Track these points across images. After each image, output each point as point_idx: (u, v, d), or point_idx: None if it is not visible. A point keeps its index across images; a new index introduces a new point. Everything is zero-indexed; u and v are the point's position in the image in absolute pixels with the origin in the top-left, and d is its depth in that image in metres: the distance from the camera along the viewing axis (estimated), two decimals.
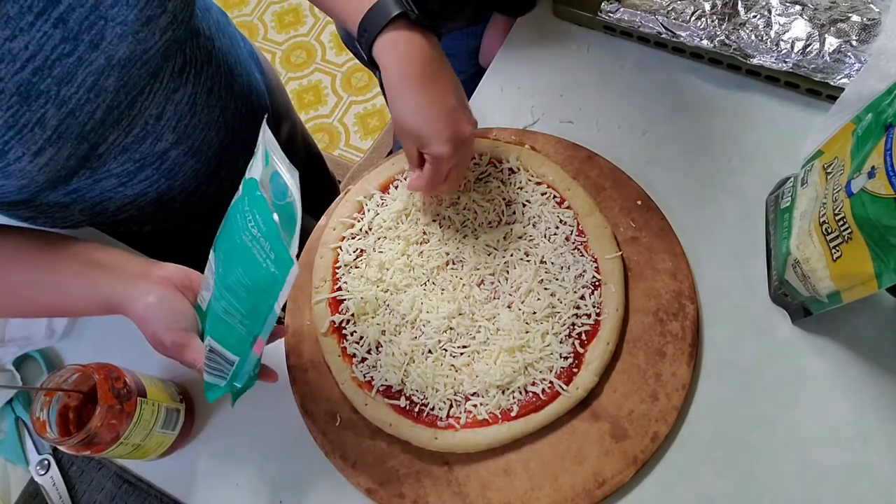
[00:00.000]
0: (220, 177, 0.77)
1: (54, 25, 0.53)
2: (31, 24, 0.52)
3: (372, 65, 0.60)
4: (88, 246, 0.62)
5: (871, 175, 0.45)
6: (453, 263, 0.66)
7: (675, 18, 0.72)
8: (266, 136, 0.47)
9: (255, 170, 0.47)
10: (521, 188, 0.69)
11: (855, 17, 0.68)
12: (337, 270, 0.67)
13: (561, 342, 0.62)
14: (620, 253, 0.65)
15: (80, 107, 0.57)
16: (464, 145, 0.59)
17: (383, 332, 0.64)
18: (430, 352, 0.63)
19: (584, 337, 0.62)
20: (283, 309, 0.69)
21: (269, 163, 0.46)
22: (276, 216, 0.44)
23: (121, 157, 0.64)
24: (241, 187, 0.49)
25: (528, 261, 0.65)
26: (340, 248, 0.68)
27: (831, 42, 0.67)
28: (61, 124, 0.56)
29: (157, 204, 0.72)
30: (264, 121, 0.49)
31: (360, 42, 0.59)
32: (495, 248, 0.66)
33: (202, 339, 0.55)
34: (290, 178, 0.46)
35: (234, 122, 0.76)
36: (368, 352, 0.64)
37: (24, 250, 0.61)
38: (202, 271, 0.57)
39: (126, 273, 0.59)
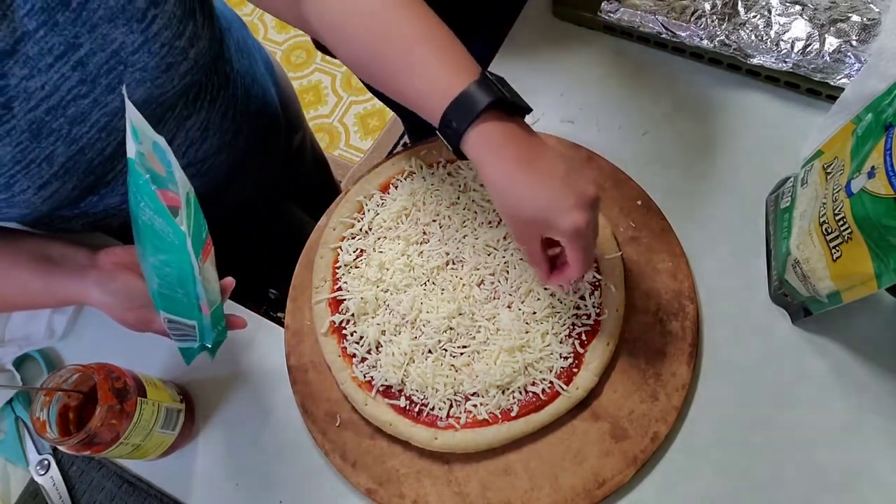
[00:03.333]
0: (229, 195, 0.77)
1: (73, 68, 0.53)
2: (50, 65, 0.52)
3: (458, 154, 0.54)
4: (37, 240, 0.64)
5: (871, 175, 0.45)
6: (453, 263, 0.66)
7: (675, 18, 0.72)
8: (130, 112, 0.45)
9: (129, 148, 0.45)
10: None
11: (855, 17, 0.68)
12: (337, 270, 0.67)
13: (561, 342, 0.62)
14: (620, 253, 0.65)
15: (90, 145, 0.57)
16: (594, 207, 0.51)
17: (383, 332, 0.64)
18: (430, 352, 0.63)
19: (584, 337, 0.62)
20: (283, 308, 0.69)
21: (139, 137, 0.45)
22: (159, 193, 0.44)
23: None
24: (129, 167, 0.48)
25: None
26: (340, 248, 0.68)
27: (831, 42, 0.67)
28: (69, 160, 0.57)
29: None
30: (125, 96, 0.45)
31: (444, 134, 0.53)
32: (495, 248, 0.66)
33: None
34: (165, 145, 0.46)
35: (246, 143, 0.76)
36: (368, 352, 0.64)
37: None
38: None
39: (75, 265, 0.61)
